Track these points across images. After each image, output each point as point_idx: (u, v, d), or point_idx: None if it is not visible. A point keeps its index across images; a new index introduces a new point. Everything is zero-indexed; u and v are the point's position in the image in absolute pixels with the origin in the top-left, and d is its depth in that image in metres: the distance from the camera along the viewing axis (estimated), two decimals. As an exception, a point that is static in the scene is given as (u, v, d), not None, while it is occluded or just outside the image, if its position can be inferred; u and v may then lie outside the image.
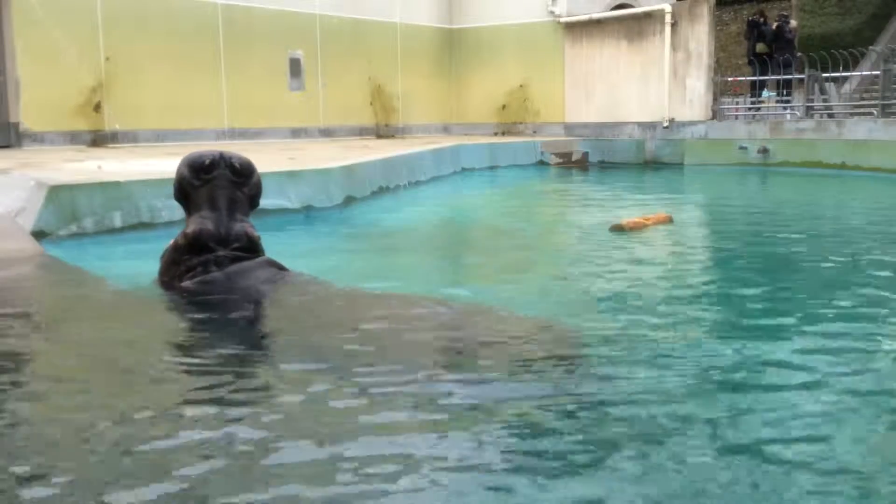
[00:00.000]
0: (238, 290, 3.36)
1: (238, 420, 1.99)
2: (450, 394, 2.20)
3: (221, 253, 3.44)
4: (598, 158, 14.29)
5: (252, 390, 2.24)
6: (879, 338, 3.02)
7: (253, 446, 1.81)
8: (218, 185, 3.45)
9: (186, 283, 3.41)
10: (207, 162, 3.45)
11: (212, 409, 2.05)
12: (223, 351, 2.72)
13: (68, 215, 5.24)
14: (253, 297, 3.35)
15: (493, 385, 2.28)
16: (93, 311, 3.31)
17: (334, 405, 2.11)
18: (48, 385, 2.28)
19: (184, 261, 3.45)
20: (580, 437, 1.95)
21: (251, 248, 3.54)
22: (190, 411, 2.04)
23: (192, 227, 3.42)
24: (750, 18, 16.00)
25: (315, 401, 2.14)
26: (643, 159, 13.99)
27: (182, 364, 2.57)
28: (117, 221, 5.46)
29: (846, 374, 2.53)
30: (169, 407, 2.07)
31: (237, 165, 3.50)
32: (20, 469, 1.66)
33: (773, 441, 1.96)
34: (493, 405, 2.12)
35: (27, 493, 1.56)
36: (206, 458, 1.74)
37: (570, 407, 2.13)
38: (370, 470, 1.71)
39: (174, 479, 1.63)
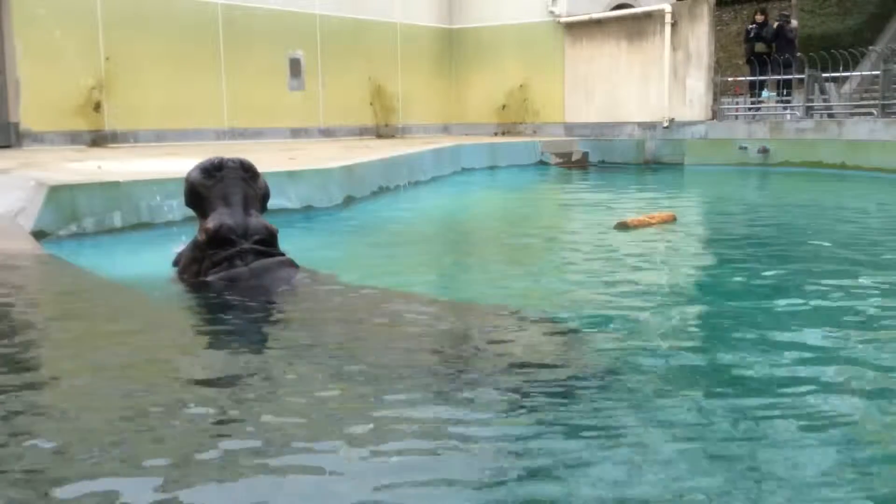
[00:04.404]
0: (261, 287, 3.44)
1: (253, 416, 1.99)
2: (459, 394, 2.20)
3: (245, 246, 3.53)
4: (598, 158, 14.28)
5: (272, 385, 2.24)
6: (881, 333, 3.02)
7: (268, 442, 1.81)
8: (230, 182, 3.58)
9: (211, 278, 3.48)
10: (217, 161, 3.59)
11: (230, 404, 2.05)
12: (244, 347, 2.75)
13: (68, 215, 5.24)
14: (276, 295, 3.42)
15: (496, 385, 2.28)
16: (104, 311, 3.31)
17: (351, 403, 2.11)
18: (57, 385, 2.28)
19: (208, 256, 3.53)
20: (583, 435, 1.94)
21: (270, 240, 3.64)
22: (210, 409, 2.04)
23: (211, 223, 3.49)
24: (748, 28, 15.96)
25: (330, 399, 2.15)
26: (643, 159, 13.99)
27: (200, 362, 2.56)
28: (117, 221, 5.46)
29: (849, 371, 2.52)
30: (187, 405, 2.06)
31: (244, 164, 3.66)
32: (26, 470, 1.66)
33: (773, 439, 1.96)
34: (496, 406, 2.12)
35: (32, 493, 1.56)
36: (222, 453, 1.74)
37: (572, 405, 2.13)
38: (379, 465, 1.71)
39: (183, 477, 1.63)
